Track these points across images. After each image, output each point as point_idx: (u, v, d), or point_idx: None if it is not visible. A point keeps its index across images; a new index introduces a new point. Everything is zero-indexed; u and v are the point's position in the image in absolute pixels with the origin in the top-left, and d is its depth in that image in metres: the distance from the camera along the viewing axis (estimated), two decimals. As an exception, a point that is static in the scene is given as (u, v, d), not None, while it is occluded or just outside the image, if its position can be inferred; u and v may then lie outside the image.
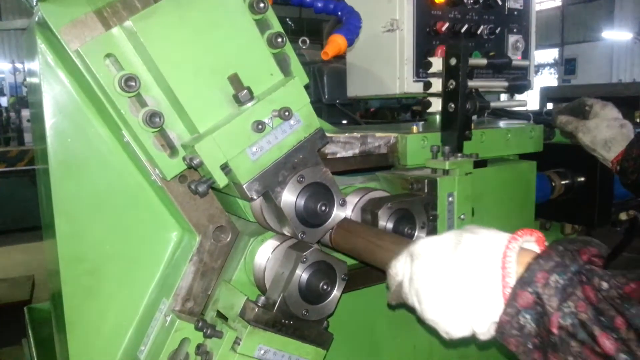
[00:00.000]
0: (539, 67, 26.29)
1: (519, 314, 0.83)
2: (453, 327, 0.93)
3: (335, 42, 1.57)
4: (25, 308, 2.68)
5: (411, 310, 1.02)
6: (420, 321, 1.00)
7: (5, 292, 5.57)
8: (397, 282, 1.05)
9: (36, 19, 1.23)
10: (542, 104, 10.97)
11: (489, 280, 0.88)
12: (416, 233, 1.42)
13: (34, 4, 1.36)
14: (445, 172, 1.45)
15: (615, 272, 0.82)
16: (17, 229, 7.76)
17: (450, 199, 1.44)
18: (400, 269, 1.04)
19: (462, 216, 1.45)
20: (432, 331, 0.99)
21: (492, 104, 1.71)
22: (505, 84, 1.87)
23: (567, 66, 25.95)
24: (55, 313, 1.75)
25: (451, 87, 1.60)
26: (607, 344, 0.76)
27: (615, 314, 0.77)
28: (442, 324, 0.94)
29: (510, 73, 2.02)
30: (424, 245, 1.00)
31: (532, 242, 0.92)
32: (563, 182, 2.09)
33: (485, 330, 0.90)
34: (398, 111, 8.21)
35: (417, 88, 1.88)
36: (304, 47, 1.44)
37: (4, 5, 20.76)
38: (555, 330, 0.80)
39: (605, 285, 0.80)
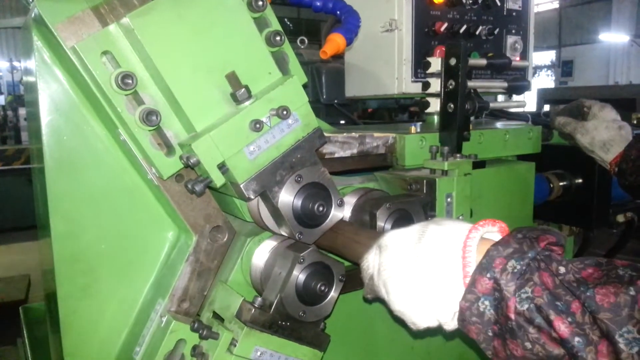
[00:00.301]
0: (536, 69, 26.32)
1: (479, 300, 0.84)
2: (419, 317, 0.95)
3: (334, 41, 1.56)
4: (20, 308, 2.66)
5: (384, 303, 1.03)
6: (391, 312, 1.01)
7: (1, 292, 5.53)
8: (369, 275, 1.06)
9: (32, 15, 1.22)
10: (539, 105, 10.98)
11: (450, 270, 0.90)
12: None
13: (31, 0, 1.35)
14: (444, 173, 1.44)
15: (573, 258, 0.84)
16: (13, 228, 7.71)
17: (448, 199, 1.43)
18: (371, 261, 1.06)
19: (460, 217, 1.45)
20: (400, 322, 1.00)
21: (491, 105, 1.70)
22: (505, 84, 1.87)
23: (564, 68, 26.01)
24: (49, 313, 1.74)
25: (450, 87, 1.59)
26: (562, 327, 0.76)
27: (572, 299, 0.77)
28: (408, 314, 0.96)
29: (509, 74, 2.02)
30: (391, 238, 1.02)
31: (494, 232, 0.94)
32: (561, 184, 2.09)
33: (450, 319, 0.91)
34: (395, 112, 8.21)
35: (416, 88, 1.87)
36: (302, 47, 1.43)
37: (0, 3, 20.71)
38: (512, 316, 0.81)
39: (562, 269, 0.81)
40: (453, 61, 1.57)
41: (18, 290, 5.55)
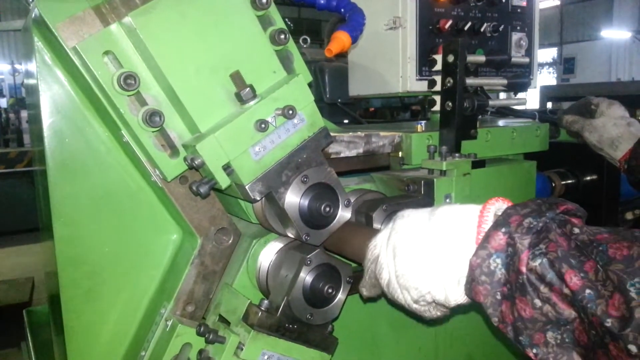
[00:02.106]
0: (538, 66, 26.23)
1: (490, 257, 0.82)
2: (423, 280, 0.91)
3: (339, 39, 1.54)
4: (24, 311, 2.65)
5: (389, 300, 1.00)
6: (391, 302, 0.99)
7: (5, 294, 5.53)
8: (374, 255, 1.03)
9: (33, 16, 1.20)
10: (543, 102, 10.96)
11: (465, 228, 0.88)
12: None
13: (31, 0, 1.33)
14: (443, 173, 1.41)
15: (589, 225, 0.82)
16: (16, 230, 7.72)
17: (447, 200, 1.40)
18: (380, 239, 1.03)
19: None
20: (400, 307, 0.98)
21: (491, 102, 1.67)
22: (504, 81, 1.84)
23: (566, 65, 25.95)
24: (53, 316, 1.72)
25: (448, 84, 1.56)
26: (574, 279, 0.75)
27: (585, 259, 0.76)
28: (412, 277, 0.93)
29: (513, 71, 2.00)
30: (406, 210, 1.01)
31: None
32: (563, 182, 2.06)
33: (456, 281, 0.88)
34: (397, 110, 8.20)
35: (420, 86, 1.85)
36: (305, 46, 1.41)
37: (2, 6, 20.74)
38: (523, 269, 0.78)
39: (577, 230, 0.79)
40: (451, 58, 1.54)
41: (22, 293, 5.55)
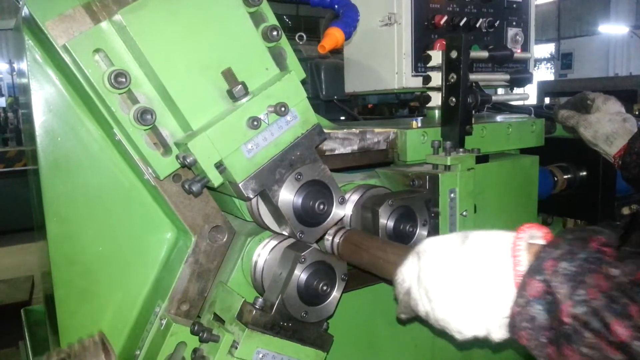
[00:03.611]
0: (536, 62, 26.21)
1: (529, 304, 0.80)
2: (465, 324, 0.89)
3: (333, 35, 1.54)
4: (22, 310, 2.65)
5: (423, 322, 0.98)
6: (434, 328, 0.96)
7: (5, 293, 5.53)
8: (405, 289, 1.01)
9: (23, 15, 1.20)
10: (540, 98, 10.95)
11: (500, 270, 0.85)
12: (417, 231, 1.39)
13: (20, -2, 1.32)
14: (447, 168, 1.41)
15: (625, 260, 0.79)
16: (16, 229, 7.71)
17: (452, 195, 1.41)
18: (407, 273, 1.01)
19: (464, 212, 1.42)
20: (444, 335, 0.95)
21: (494, 98, 1.67)
22: (507, 77, 1.84)
23: (563, 60, 25.92)
24: (48, 315, 1.72)
25: (452, 80, 1.56)
26: (621, 330, 0.73)
27: (629, 302, 0.74)
28: (453, 322, 0.91)
29: (510, 66, 1.99)
30: (430, 242, 0.98)
31: (539, 237, 0.89)
32: (565, 177, 2.06)
33: (498, 325, 0.87)
34: (396, 107, 8.17)
35: (416, 82, 1.85)
36: (300, 43, 1.41)
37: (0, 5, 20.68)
38: (567, 320, 0.77)
39: (615, 271, 0.77)
40: (454, 54, 1.54)
41: (22, 292, 5.54)
